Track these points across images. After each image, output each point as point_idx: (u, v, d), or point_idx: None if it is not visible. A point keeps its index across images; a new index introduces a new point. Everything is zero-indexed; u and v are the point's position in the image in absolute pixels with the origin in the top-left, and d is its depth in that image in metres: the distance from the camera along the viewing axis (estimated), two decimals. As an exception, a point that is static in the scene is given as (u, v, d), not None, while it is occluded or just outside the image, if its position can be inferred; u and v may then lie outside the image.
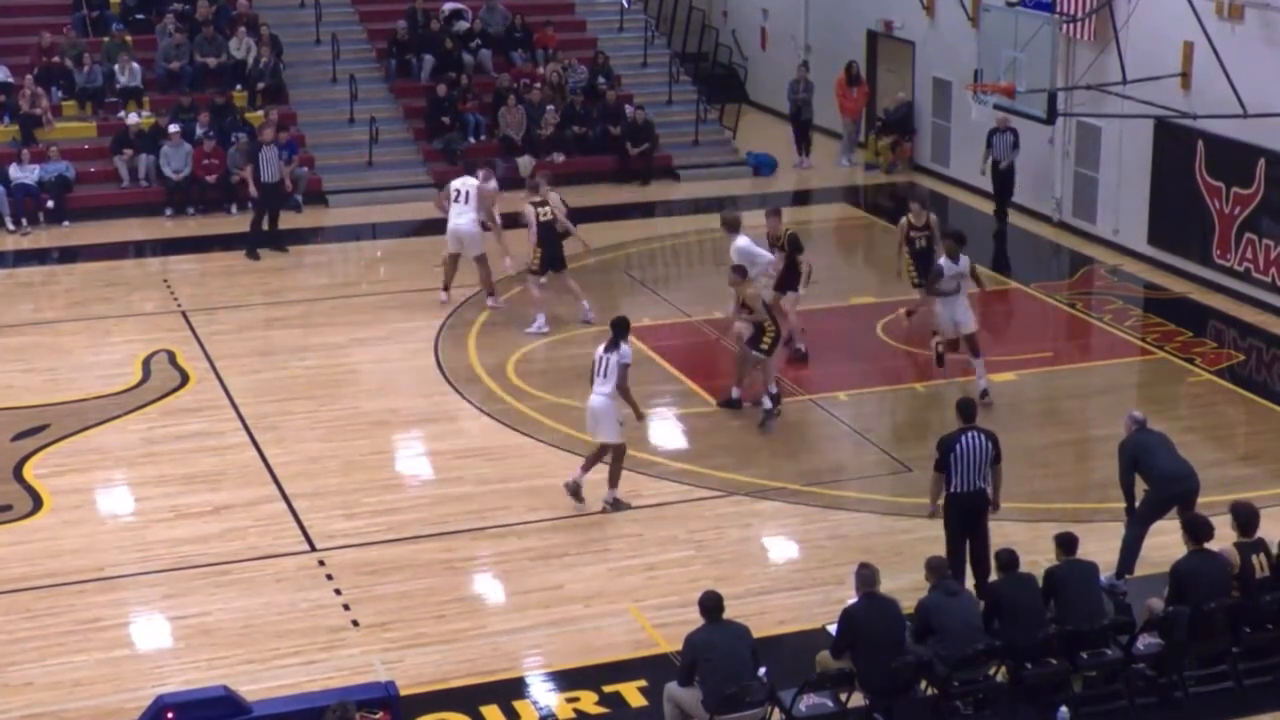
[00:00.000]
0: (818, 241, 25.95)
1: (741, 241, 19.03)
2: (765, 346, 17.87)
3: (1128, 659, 12.57)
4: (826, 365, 18.53)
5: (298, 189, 27.23)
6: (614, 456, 15.91)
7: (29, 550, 15.29)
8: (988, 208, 26.65)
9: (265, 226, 24.79)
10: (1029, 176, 26.43)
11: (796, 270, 19.68)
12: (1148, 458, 14.07)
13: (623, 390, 15.80)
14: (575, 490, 16.04)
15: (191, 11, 29.61)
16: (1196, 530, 12.87)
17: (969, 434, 13.80)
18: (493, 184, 22.34)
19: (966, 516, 13.83)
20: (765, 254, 19.15)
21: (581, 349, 20.40)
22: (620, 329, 15.91)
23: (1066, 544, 12.80)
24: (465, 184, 21.98)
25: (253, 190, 24.48)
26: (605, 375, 15.70)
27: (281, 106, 28.52)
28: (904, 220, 20.35)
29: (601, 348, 15.90)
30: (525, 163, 28.47)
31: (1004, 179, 26.21)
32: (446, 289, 22.23)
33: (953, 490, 13.77)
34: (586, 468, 16.06)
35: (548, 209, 21.19)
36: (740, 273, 18.13)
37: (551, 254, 21.16)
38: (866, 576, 12.11)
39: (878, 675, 11.91)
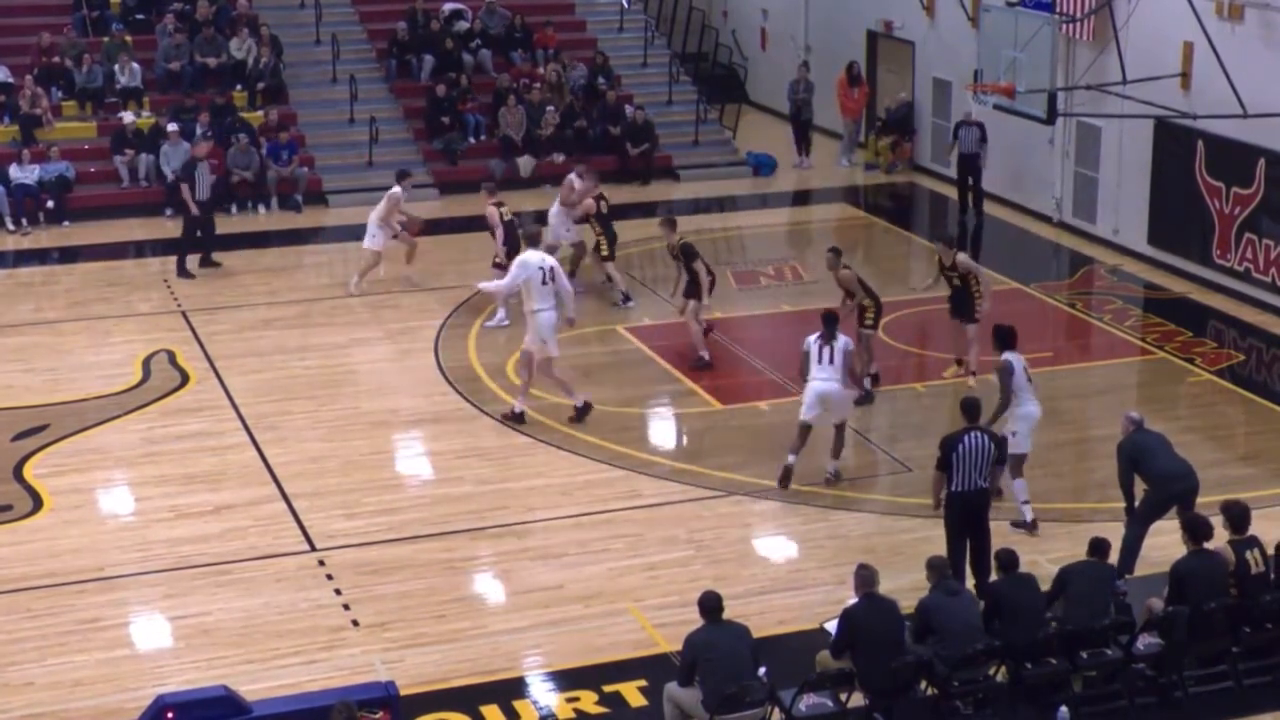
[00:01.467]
0: (818, 242, 25.92)
1: (525, 254, 18.26)
2: (869, 323, 18.49)
3: (1128, 659, 12.56)
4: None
5: (298, 189, 27.26)
6: (843, 431, 16.60)
7: (29, 550, 15.27)
8: (988, 209, 26.70)
9: (198, 237, 23.97)
10: (1028, 176, 26.46)
11: (697, 280, 19.71)
12: (1146, 458, 14.08)
13: (850, 373, 16.80)
14: (837, 477, 16.56)
15: (191, 11, 29.62)
16: (1196, 530, 12.86)
17: (971, 434, 13.85)
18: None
19: (968, 515, 13.87)
20: (515, 277, 17.95)
21: (578, 349, 20.38)
22: (832, 322, 16.46)
23: (1094, 546, 12.84)
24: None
25: (193, 209, 23.50)
26: (832, 361, 16.20)
27: (281, 106, 28.54)
28: (936, 258, 19.54)
29: (814, 339, 16.30)
30: (525, 163, 28.48)
31: (970, 171, 26.40)
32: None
33: (954, 489, 13.82)
34: (837, 452, 16.54)
35: (507, 209, 21.39)
36: (835, 254, 18.80)
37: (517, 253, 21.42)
38: (866, 577, 12.11)
39: (878, 675, 11.90)
